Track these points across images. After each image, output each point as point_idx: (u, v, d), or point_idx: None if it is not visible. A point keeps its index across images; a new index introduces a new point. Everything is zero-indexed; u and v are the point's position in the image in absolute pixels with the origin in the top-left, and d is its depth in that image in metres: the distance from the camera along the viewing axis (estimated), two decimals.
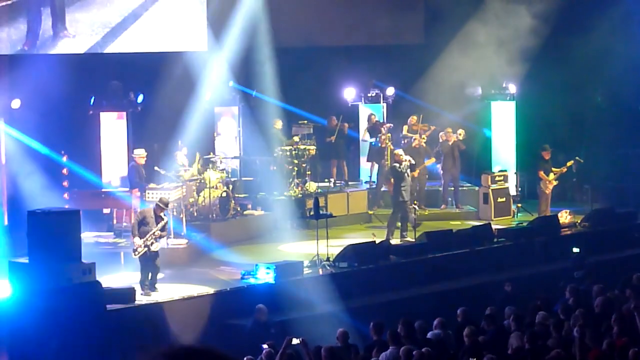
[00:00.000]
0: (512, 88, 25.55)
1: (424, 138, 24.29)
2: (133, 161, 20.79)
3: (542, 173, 23.05)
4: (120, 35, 23.06)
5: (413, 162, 21.18)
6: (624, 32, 24.76)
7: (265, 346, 12.83)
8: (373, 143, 24.73)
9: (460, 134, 24.35)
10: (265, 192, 23.86)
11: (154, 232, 16.38)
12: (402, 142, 24.81)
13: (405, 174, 20.70)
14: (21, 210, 18.06)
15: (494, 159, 25.33)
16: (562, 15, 25.03)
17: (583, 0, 25.54)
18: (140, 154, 20.59)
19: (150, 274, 16.45)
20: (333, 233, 19.75)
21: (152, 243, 16.39)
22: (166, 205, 16.91)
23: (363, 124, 25.81)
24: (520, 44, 24.99)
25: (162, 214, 16.68)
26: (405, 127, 25.31)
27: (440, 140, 24.59)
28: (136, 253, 16.41)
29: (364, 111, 26.19)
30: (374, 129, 25.05)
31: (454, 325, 14.26)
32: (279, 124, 24.46)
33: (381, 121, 25.56)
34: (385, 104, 26.53)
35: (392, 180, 22.09)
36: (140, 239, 16.37)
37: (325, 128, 25.49)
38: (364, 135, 25.49)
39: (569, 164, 23.23)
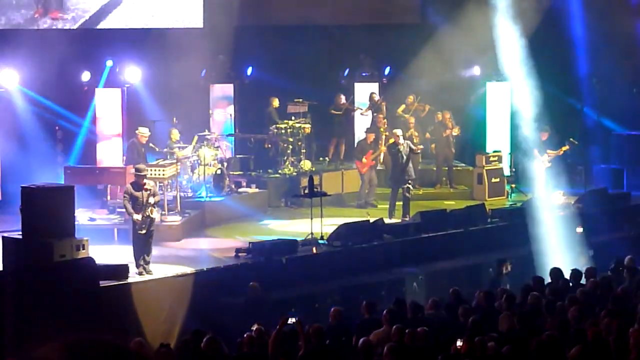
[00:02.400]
0: (509, 68, 25.52)
1: (416, 135, 24.11)
2: (134, 138, 20.76)
3: (536, 151, 23.04)
4: (115, 11, 23.03)
5: (413, 147, 21.14)
6: (621, 13, 24.72)
7: (254, 327, 12.77)
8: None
9: (455, 130, 24.25)
10: (259, 169, 23.90)
11: (147, 201, 16.24)
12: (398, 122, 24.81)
13: (401, 154, 20.70)
14: (14, 186, 18.01)
15: (488, 140, 25.34)
16: None
17: None
18: (144, 132, 20.57)
19: (143, 253, 16.33)
20: (327, 212, 19.75)
21: (151, 211, 16.28)
22: (141, 171, 16.69)
23: (358, 101, 25.86)
24: (517, 25, 24.95)
25: (144, 182, 16.48)
26: (402, 107, 25.25)
27: (436, 121, 24.64)
28: (143, 228, 16.28)
29: (359, 89, 26.21)
30: (375, 107, 25.04)
31: (446, 306, 14.25)
32: (275, 102, 24.41)
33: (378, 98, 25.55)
34: (379, 84, 26.54)
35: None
36: (138, 214, 16.27)
37: (330, 105, 25.39)
38: (365, 111, 25.40)
39: (564, 148, 23.23)
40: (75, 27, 22.54)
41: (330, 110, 25.08)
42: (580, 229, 18.77)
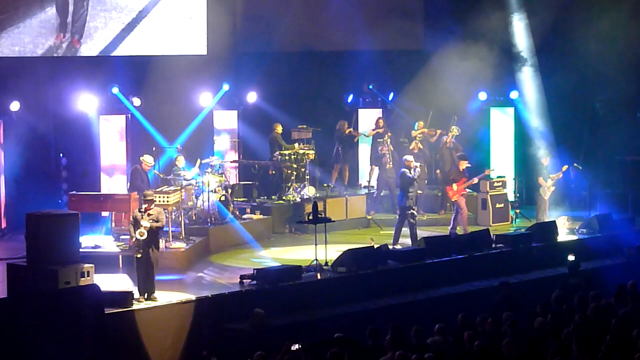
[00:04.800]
0: (514, 94, 25.67)
1: (419, 138, 24.38)
2: (138, 165, 20.83)
3: (541, 179, 23.05)
4: (121, 39, 23.15)
5: (419, 170, 21.12)
6: (622, 37, 24.77)
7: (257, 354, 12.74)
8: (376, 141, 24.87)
9: (453, 131, 24.30)
10: (263, 196, 23.93)
11: (143, 221, 16.22)
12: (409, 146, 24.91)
13: (415, 181, 20.73)
14: (19, 213, 18.05)
15: (492, 165, 25.35)
16: (559, 22, 25.09)
17: (579, 7, 25.49)
18: (149, 160, 20.67)
19: (146, 280, 16.29)
20: (331, 238, 19.73)
21: (140, 233, 16.14)
22: (146, 197, 16.67)
23: (361, 128, 25.96)
24: (519, 50, 25.08)
25: (149, 208, 16.43)
26: (414, 132, 25.32)
27: (440, 145, 24.73)
28: (137, 252, 16.26)
29: (362, 115, 26.33)
30: (378, 134, 25.17)
31: (453, 331, 14.23)
32: (279, 128, 24.48)
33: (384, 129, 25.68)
34: (382, 110, 26.66)
35: (454, 185, 21.97)
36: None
37: (332, 131, 25.47)
38: (370, 134, 25.50)
39: (563, 168, 23.21)
40: (94, 54, 22.75)
41: (345, 132, 25.20)
42: (572, 257, 18.72)
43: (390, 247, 19.96)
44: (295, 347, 11.47)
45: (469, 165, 22.38)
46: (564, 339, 13.02)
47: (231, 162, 24.50)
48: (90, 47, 22.91)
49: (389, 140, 24.00)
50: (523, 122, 25.87)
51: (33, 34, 22.12)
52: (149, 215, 16.32)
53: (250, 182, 24.49)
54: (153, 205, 16.59)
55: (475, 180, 22.61)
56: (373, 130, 25.37)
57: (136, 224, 16.31)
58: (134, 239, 16.28)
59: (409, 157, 21.28)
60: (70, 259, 15.95)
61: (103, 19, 23.07)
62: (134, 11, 23.37)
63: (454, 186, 22.08)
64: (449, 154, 24.45)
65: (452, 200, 22.22)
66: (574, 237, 21.65)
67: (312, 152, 24.15)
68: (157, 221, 16.38)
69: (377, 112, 26.54)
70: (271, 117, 25.06)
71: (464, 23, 25.20)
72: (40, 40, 22.27)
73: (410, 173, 20.70)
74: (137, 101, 23.01)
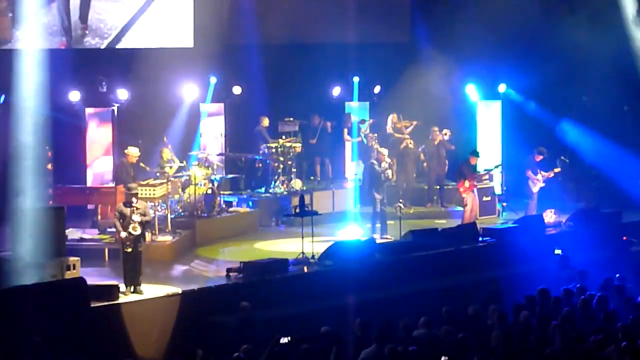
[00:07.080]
0: (502, 87, 25.69)
1: (410, 141, 24.43)
2: (123, 157, 20.77)
3: (529, 172, 23.05)
4: (107, 31, 23.08)
5: (390, 169, 21.24)
6: (608, 31, 24.79)
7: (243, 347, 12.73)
8: (362, 138, 24.84)
9: (446, 134, 24.43)
10: (250, 189, 23.90)
11: (131, 218, 16.18)
12: (389, 141, 24.91)
13: (382, 175, 20.83)
14: (4, 206, 17.95)
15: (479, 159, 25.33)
16: (546, 13, 25.10)
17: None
18: (134, 152, 20.59)
19: (133, 273, 16.25)
20: (318, 231, 19.73)
21: (133, 228, 16.17)
22: (131, 190, 16.66)
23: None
24: (506, 45, 25.06)
25: (134, 201, 16.40)
26: (390, 128, 25.33)
27: (429, 137, 24.77)
28: (128, 246, 16.23)
29: (350, 108, 26.31)
30: (352, 129, 25.23)
31: (438, 325, 14.22)
32: (265, 122, 24.45)
33: (363, 119, 25.64)
34: (369, 102, 26.64)
35: (466, 181, 22.01)
36: (125, 231, 16.24)
37: (309, 126, 25.51)
38: (345, 135, 25.55)
39: (556, 170, 23.24)
40: (80, 47, 22.70)
41: (310, 140, 25.17)
42: (558, 251, 18.71)
43: (377, 240, 20.00)
44: (285, 340, 11.44)
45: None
46: (549, 333, 13.04)
47: (218, 155, 24.43)
48: (76, 40, 22.82)
49: (375, 137, 23.99)
50: (510, 114, 25.86)
51: (16, 25, 22.01)
52: (137, 209, 16.27)
53: (237, 175, 24.44)
54: (136, 199, 16.50)
55: (486, 176, 22.71)
56: (345, 127, 25.40)
57: (122, 218, 16.25)
58: (122, 234, 16.20)
59: (384, 151, 21.40)
60: (56, 252, 15.89)
61: (89, 10, 22.99)
62: (120, 3, 23.28)
63: (466, 182, 22.11)
64: (436, 150, 24.52)
65: (462, 195, 22.24)
66: (561, 231, 21.66)
67: (299, 145, 24.12)
68: (144, 215, 16.36)
69: (364, 105, 26.52)
70: (259, 110, 24.99)
71: (452, 15, 25.15)
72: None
73: (379, 168, 20.84)
74: (123, 94, 22.92)
